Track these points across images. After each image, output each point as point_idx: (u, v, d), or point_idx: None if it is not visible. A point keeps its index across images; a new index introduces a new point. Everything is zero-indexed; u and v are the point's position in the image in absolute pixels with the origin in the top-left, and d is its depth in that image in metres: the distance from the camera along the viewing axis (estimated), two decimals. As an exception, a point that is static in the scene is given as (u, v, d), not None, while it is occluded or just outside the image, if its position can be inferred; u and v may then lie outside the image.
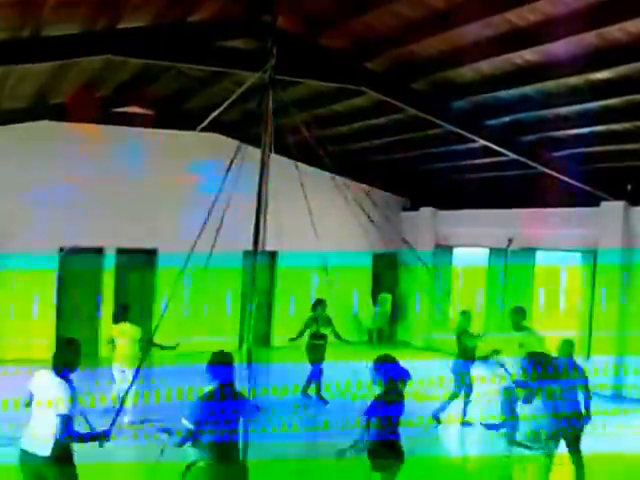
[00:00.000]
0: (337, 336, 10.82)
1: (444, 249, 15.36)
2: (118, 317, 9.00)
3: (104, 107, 12.49)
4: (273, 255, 13.89)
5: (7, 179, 11.95)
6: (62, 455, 4.70)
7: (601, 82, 8.29)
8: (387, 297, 15.87)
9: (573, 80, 8.39)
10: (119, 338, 8.80)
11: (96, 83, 11.40)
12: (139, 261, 12.89)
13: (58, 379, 4.77)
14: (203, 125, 7.64)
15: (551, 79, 8.47)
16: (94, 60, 9.18)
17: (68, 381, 4.78)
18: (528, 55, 8.02)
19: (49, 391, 4.76)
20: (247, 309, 8.22)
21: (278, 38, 7.55)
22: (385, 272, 16.24)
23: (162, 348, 8.46)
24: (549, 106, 9.42)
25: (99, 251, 12.67)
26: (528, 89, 8.99)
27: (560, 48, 7.61)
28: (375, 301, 15.87)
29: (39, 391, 4.83)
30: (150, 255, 13.02)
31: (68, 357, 4.88)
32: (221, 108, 7.59)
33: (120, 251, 12.43)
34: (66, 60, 8.18)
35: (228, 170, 7.30)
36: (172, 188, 12.72)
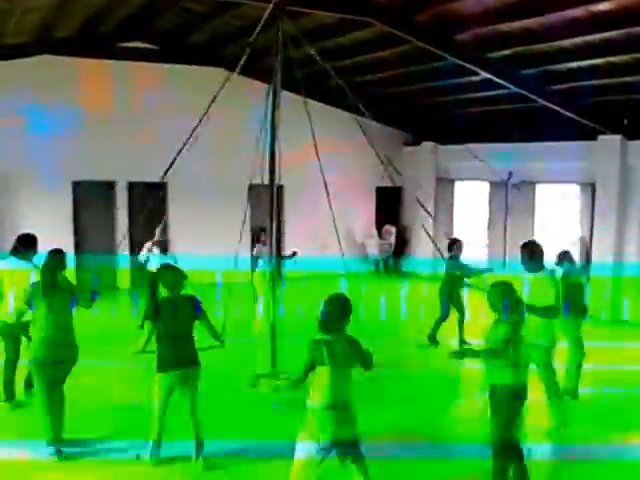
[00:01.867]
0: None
1: (445, 182, 15.67)
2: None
3: (108, 42, 12.55)
4: (280, 189, 14.17)
5: (13, 114, 12.12)
6: None
7: (602, 13, 8.33)
8: (391, 229, 16.32)
9: (574, 12, 8.46)
10: None
11: (100, 18, 11.45)
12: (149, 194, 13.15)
13: None
14: (240, 67, 7.68)
15: (553, 11, 8.53)
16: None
17: None
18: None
19: None
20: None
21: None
22: (389, 204, 16.64)
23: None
24: (550, 39, 9.45)
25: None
26: (530, 22, 9.04)
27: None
28: (380, 233, 16.35)
29: None
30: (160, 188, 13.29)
31: None
32: (255, 35, 7.62)
33: (131, 185, 12.66)
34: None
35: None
36: (178, 122, 12.87)
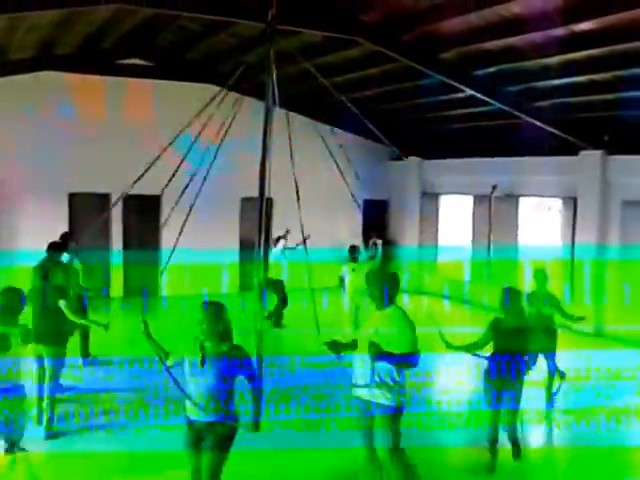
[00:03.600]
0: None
1: (430, 196, 16.04)
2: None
3: (107, 59, 12.83)
4: (269, 201, 14.38)
5: (14, 128, 12.33)
6: None
7: (584, 32, 8.58)
8: (377, 241, 16.60)
9: (557, 31, 8.70)
10: None
11: (100, 36, 11.74)
12: (144, 206, 13.37)
13: None
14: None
15: (536, 30, 8.77)
16: (103, 10, 9.55)
17: None
18: (514, 8, 8.42)
19: None
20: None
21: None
22: (375, 217, 16.96)
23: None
24: (533, 57, 9.75)
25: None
26: (514, 40, 9.33)
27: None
28: (366, 245, 16.60)
29: None
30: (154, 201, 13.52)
31: None
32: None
33: (126, 197, 12.82)
34: (81, 7, 8.49)
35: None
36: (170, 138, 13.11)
